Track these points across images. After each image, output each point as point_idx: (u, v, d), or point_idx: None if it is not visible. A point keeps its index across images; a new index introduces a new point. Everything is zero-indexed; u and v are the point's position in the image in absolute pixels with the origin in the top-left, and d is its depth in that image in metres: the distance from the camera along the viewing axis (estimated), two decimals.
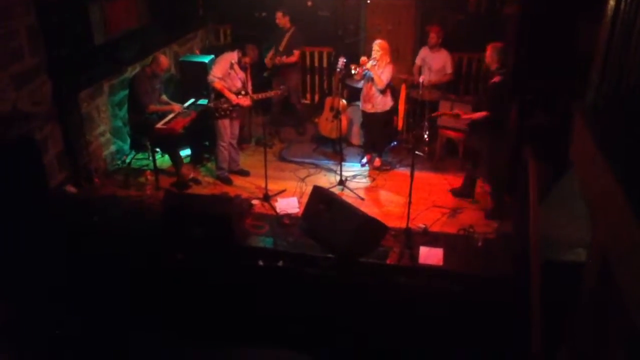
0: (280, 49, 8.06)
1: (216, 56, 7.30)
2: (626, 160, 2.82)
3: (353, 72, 6.96)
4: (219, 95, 6.72)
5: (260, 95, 6.99)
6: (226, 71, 6.70)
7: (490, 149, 6.21)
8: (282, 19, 8.01)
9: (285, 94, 7.62)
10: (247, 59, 6.79)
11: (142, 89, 6.75)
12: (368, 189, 6.90)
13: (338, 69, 6.99)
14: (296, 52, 8.10)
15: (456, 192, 6.68)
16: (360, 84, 7.37)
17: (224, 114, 6.80)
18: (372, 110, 7.13)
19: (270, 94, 7.24)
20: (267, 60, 7.99)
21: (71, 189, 6.49)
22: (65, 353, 5.36)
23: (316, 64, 9.41)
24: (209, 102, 6.91)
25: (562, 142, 3.62)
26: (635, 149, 2.92)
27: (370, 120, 7.28)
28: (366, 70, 6.91)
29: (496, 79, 6.04)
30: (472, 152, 6.57)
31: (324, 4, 9.24)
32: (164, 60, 6.88)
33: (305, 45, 8.36)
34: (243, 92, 6.81)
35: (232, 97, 6.73)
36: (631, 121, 3.11)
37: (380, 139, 7.45)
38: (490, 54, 6.16)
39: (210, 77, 6.71)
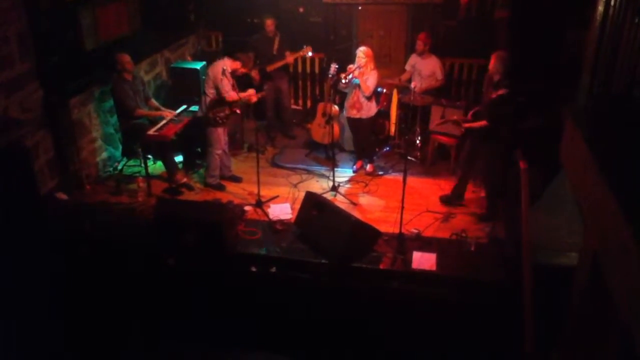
0: (274, 52, 8.08)
1: (208, 62, 7.24)
2: (617, 163, 2.83)
3: (344, 81, 6.96)
4: (216, 104, 6.68)
5: (242, 95, 6.91)
6: (221, 78, 6.64)
7: (489, 156, 6.20)
8: (271, 26, 8.02)
9: (265, 96, 7.71)
10: (243, 70, 6.80)
11: (123, 93, 6.70)
12: (360, 195, 6.88)
13: (330, 75, 6.97)
14: (288, 53, 8.10)
15: (445, 199, 6.61)
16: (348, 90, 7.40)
17: (221, 122, 6.78)
18: (357, 116, 7.14)
19: (253, 97, 7.14)
20: (253, 73, 7.95)
21: (62, 195, 6.45)
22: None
23: (308, 70, 9.41)
24: (199, 109, 6.88)
25: (555, 144, 3.63)
26: (626, 152, 2.93)
27: (356, 126, 7.29)
28: (354, 78, 6.93)
29: (501, 91, 5.90)
30: (466, 156, 6.53)
31: (315, 10, 9.26)
32: (124, 55, 6.75)
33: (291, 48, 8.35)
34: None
35: (249, 93, 6.93)
36: (622, 123, 3.13)
37: (367, 144, 7.46)
38: (494, 64, 6.00)
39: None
